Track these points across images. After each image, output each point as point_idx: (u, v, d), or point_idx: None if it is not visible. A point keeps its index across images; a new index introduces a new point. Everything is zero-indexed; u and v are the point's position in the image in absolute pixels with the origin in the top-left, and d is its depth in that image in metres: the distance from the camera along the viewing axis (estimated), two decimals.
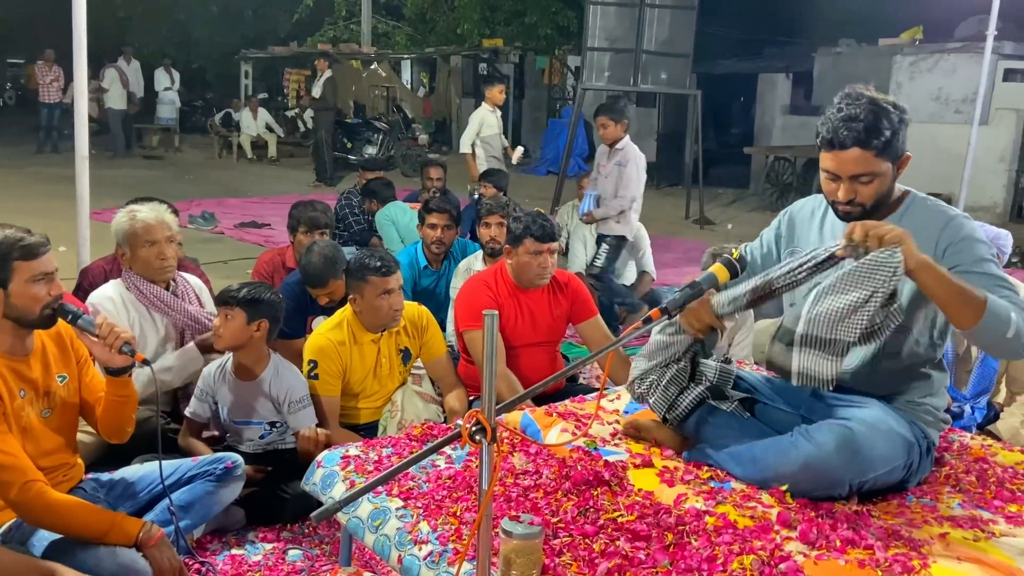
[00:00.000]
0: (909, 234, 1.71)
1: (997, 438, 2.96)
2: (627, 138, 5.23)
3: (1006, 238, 3.27)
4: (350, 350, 2.91)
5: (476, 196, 6.18)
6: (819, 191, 2.05)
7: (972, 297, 1.72)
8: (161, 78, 15.20)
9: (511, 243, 3.16)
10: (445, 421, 2.94)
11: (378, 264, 2.84)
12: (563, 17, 16.52)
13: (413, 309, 3.07)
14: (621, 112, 5.34)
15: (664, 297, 5.40)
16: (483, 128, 7.13)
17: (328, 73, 12.37)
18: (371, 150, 13.49)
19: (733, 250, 1.96)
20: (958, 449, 2.20)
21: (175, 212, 3.21)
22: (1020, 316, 1.74)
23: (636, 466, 2.03)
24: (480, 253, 3.99)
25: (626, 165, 5.10)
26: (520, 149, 8.13)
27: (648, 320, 1.74)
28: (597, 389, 3.18)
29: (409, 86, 19.22)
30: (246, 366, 2.80)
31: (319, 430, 2.71)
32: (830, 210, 2.00)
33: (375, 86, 15.72)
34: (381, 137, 13.67)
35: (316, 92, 12.53)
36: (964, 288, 1.72)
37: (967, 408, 3.03)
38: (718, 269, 1.88)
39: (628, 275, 5.49)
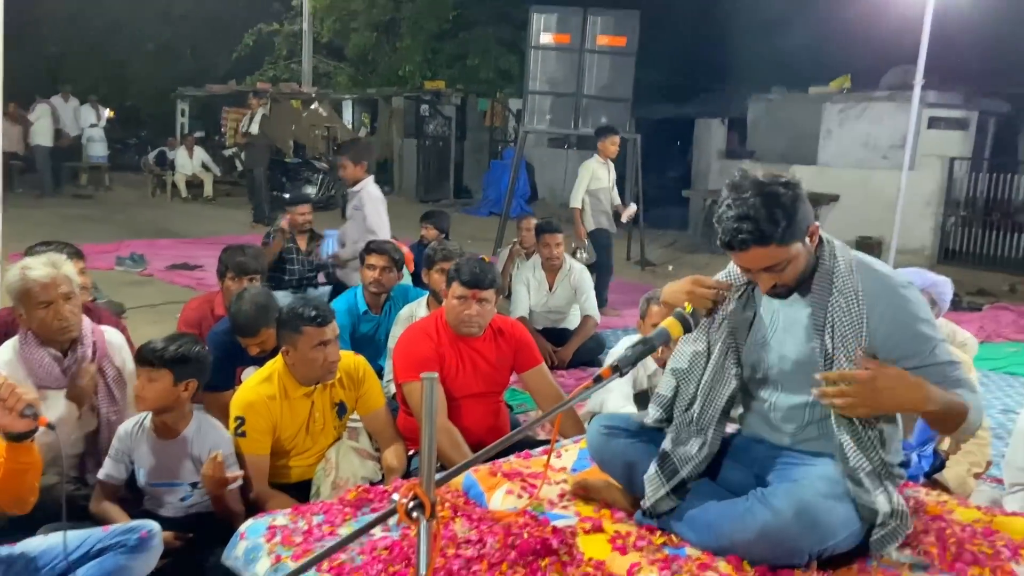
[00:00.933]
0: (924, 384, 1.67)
1: (945, 488, 2.93)
2: (367, 179, 5.10)
3: (944, 285, 3.28)
4: (280, 405, 2.74)
5: (577, 253, 6.06)
6: None
7: (955, 410, 1.71)
8: (87, 115, 14.76)
9: (447, 284, 3.05)
10: (383, 480, 2.78)
11: (313, 314, 2.69)
12: (505, 61, 16.75)
13: (350, 360, 2.92)
14: (360, 153, 5.18)
15: (608, 341, 5.37)
16: (592, 181, 6.78)
17: (262, 111, 12.17)
18: (310, 190, 13.28)
19: (686, 303, 1.87)
20: (914, 507, 2.14)
21: (79, 255, 2.98)
22: (975, 400, 1.75)
23: (586, 531, 1.92)
24: (424, 299, 3.85)
25: (363, 207, 4.98)
26: (633, 207, 7.36)
27: (599, 379, 1.64)
28: (542, 441, 3.08)
29: (350, 126, 19.10)
30: (167, 424, 2.60)
31: (230, 474, 2.51)
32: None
33: (315, 126, 15.56)
34: (321, 177, 13.50)
35: (254, 129, 12.30)
36: (951, 403, 1.70)
37: (914, 457, 3.00)
38: (671, 324, 1.80)
39: (571, 319, 5.41)
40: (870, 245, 10.26)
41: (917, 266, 5.48)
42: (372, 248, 3.99)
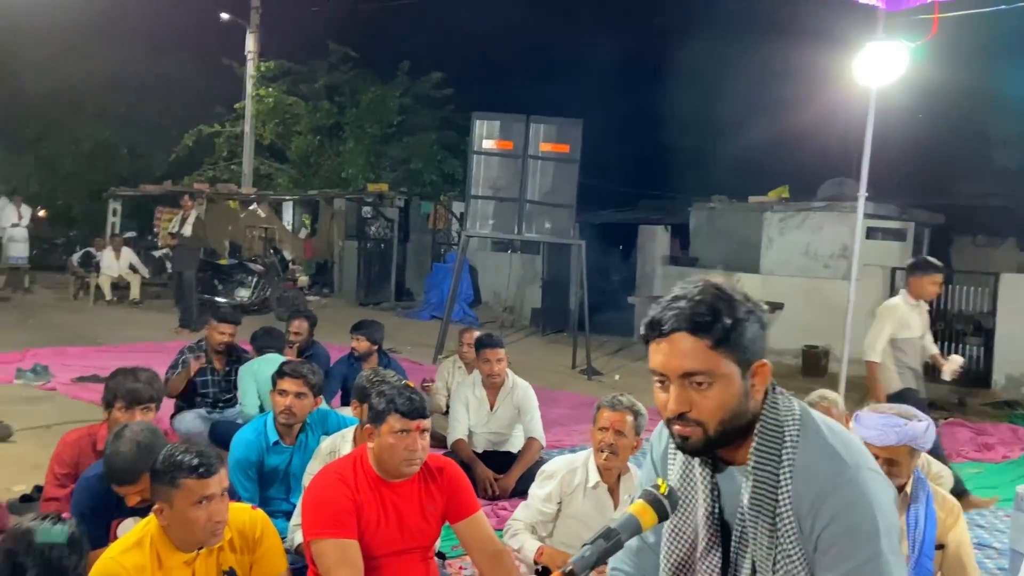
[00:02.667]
0: None
1: None
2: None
3: (928, 432, 2.84)
4: None
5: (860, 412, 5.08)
6: None
7: None
8: (9, 214, 14.10)
9: (372, 421, 2.60)
10: None
11: (194, 463, 2.20)
12: (448, 164, 16.81)
13: (243, 515, 2.41)
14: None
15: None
16: (899, 328, 5.06)
17: (196, 212, 11.73)
18: (244, 292, 12.76)
19: (660, 480, 1.44)
20: None
21: None
22: None
23: None
24: (350, 432, 3.36)
25: None
26: (957, 360, 5.25)
27: None
28: None
29: (290, 227, 18.78)
30: None
31: None
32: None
33: (253, 227, 15.16)
34: (256, 279, 12.99)
35: (186, 231, 11.81)
36: None
37: None
38: (641, 510, 1.35)
39: (515, 441, 4.96)
40: (816, 354, 10.16)
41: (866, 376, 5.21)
42: (284, 371, 3.52)
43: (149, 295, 13.85)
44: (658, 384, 1.45)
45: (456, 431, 4.81)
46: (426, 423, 2.58)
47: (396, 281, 16.21)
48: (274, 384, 3.53)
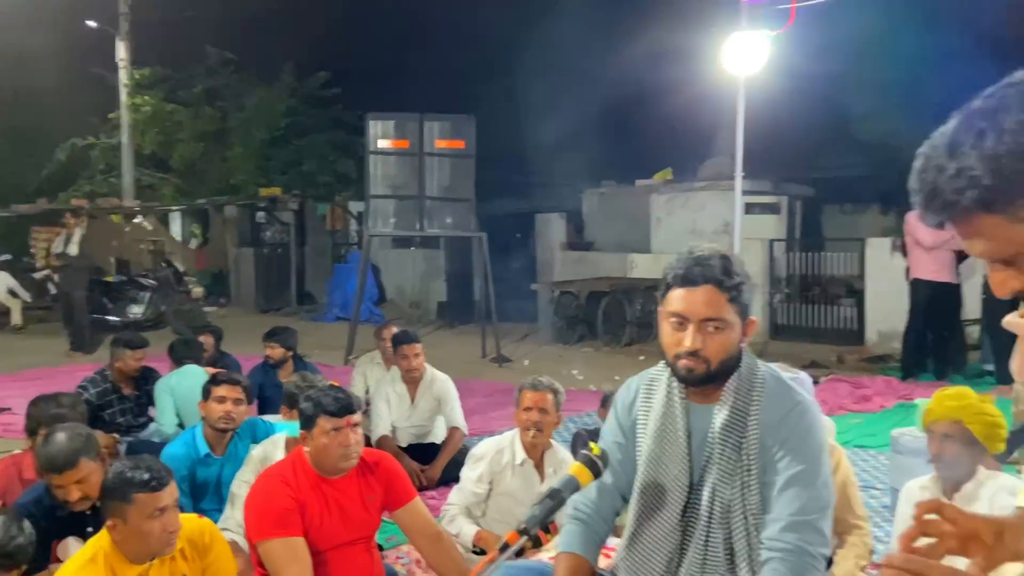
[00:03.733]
0: None
1: None
2: None
3: (803, 380, 3.28)
4: None
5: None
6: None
7: None
8: None
9: (304, 426, 2.74)
10: None
11: (145, 477, 2.28)
12: (342, 165, 16.66)
13: (193, 525, 2.51)
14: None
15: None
16: None
17: (80, 230, 11.25)
18: (137, 309, 12.32)
19: (592, 444, 1.71)
20: None
21: None
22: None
23: None
24: (280, 438, 3.45)
25: None
26: None
27: (505, 546, 1.41)
28: None
29: (180, 238, 18.18)
30: None
31: None
32: (654, 391, 1.89)
33: (140, 241, 14.62)
34: (148, 295, 12.57)
35: (72, 250, 11.30)
36: None
37: None
38: (579, 471, 1.61)
39: (437, 432, 5.13)
40: None
41: (752, 342, 5.64)
42: (221, 379, 3.57)
43: (32, 319, 13.17)
44: (675, 324, 1.81)
45: (380, 428, 4.94)
46: (356, 417, 2.72)
47: (297, 285, 16.00)
48: (207, 394, 3.57)
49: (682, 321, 1.80)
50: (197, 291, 15.07)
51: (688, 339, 1.78)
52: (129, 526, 2.27)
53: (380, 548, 3.52)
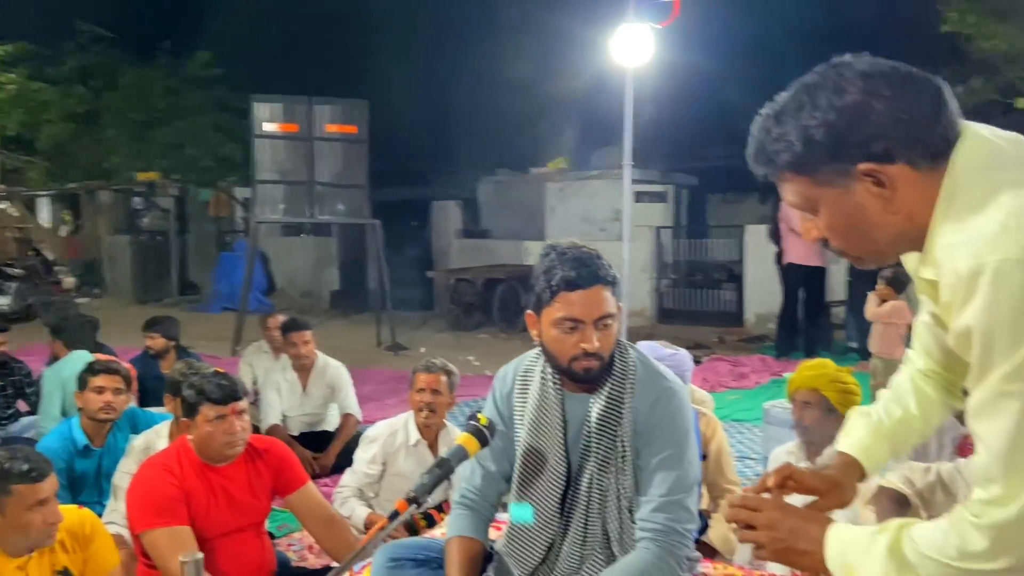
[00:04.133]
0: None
1: (712, 548, 3.07)
2: None
3: (682, 357, 3.45)
4: None
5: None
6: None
7: None
8: None
9: (187, 414, 2.68)
10: None
11: (24, 468, 2.17)
12: (226, 149, 15.97)
13: (73, 516, 2.41)
14: None
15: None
16: None
17: None
18: (3, 300, 11.55)
19: (479, 415, 1.75)
20: None
21: None
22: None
23: None
24: (164, 427, 3.34)
25: None
26: None
27: (395, 515, 1.45)
28: (317, 571, 2.77)
29: (49, 225, 17.07)
30: None
31: None
32: (529, 382, 1.96)
33: (5, 228, 13.67)
34: (15, 285, 11.79)
35: None
36: None
37: None
38: (466, 440, 1.65)
39: (330, 420, 5.08)
40: None
41: (640, 325, 5.94)
42: (99, 369, 3.42)
43: None
44: (567, 328, 1.82)
45: (270, 417, 4.85)
46: (241, 404, 2.68)
47: (179, 275, 15.35)
48: (83, 384, 3.41)
49: (576, 324, 1.82)
50: (68, 281, 14.20)
51: (589, 341, 1.81)
52: (8, 519, 2.17)
53: (272, 536, 3.48)
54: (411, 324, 11.70)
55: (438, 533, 2.48)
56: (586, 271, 1.82)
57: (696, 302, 11.40)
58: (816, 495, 1.43)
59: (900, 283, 5.46)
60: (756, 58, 12.68)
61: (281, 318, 5.50)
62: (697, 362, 8.17)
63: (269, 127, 8.99)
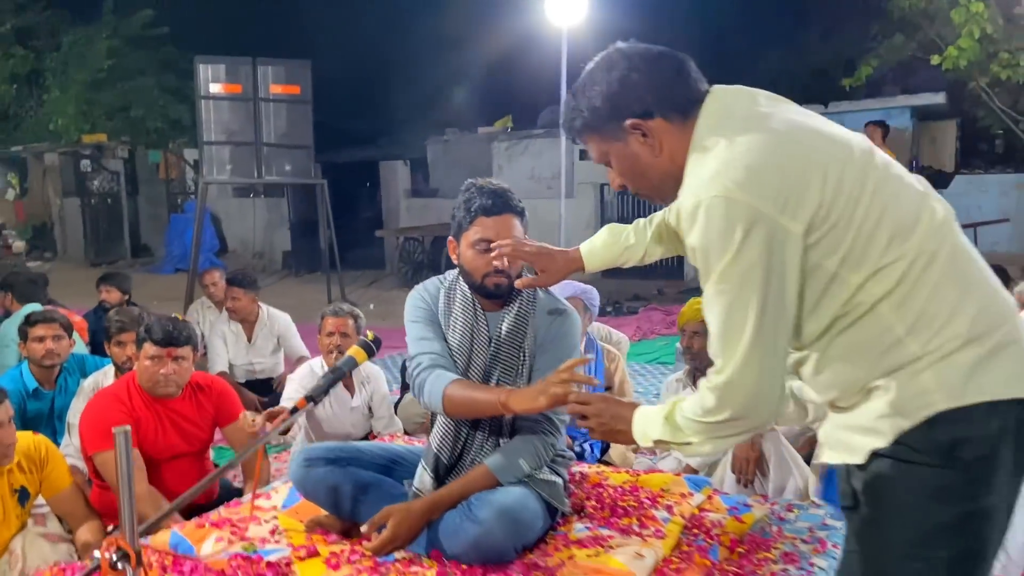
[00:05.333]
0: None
1: (612, 464, 3.47)
2: None
3: (592, 292, 3.88)
4: None
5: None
6: (448, 269, 2.33)
7: None
8: None
9: (137, 347, 2.98)
10: (80, 559, 2.61)
11: None
12: (174, 110, 15.86)
13: (28, 440, 2.69)
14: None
15: None
16: None
17: None
18: None
19: (369, 332, 2.09)
20: (579, 479, 2.55)
21: None
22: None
23: (301, 559, 2.03)
24: (110, 369, 3.62)
25: None
26: None
27: (295, 410, 1.77)
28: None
29: None
30: None
31: None
32: (453, 298, 2.28)
33: None
34: None
35: None
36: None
37: (587, 447, 3.52)
38: (356, 352, 1.99)
39: (277, 369, 5.37)
40: None
41: (586, 282, 6.26)
42: (35, 319, 3.66)
43: None
44: (481, 249, 2.15)
45: (216, 365, 5.13)
46: (179, 351, 2.95)
47: (131, 237, 15.33)
48: (24, 336, 3.66)
49: (489, 245, 2.13)
50: (18, 245, 14.19)
51: (500, 259, 2.11)
52: None
53: (216, 465, 3.80)
54: (363, 283, 11.96)
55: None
56: (500, 200, 2.15)
57: None
58: (537, 266, 2.01)
59: None
60: (691, 14, 12.98)
61: (216, 274, 5.77)
62: (634, 312, 8.64)
63: (214, 88, 9.03)
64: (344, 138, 15.52)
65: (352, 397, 3.68)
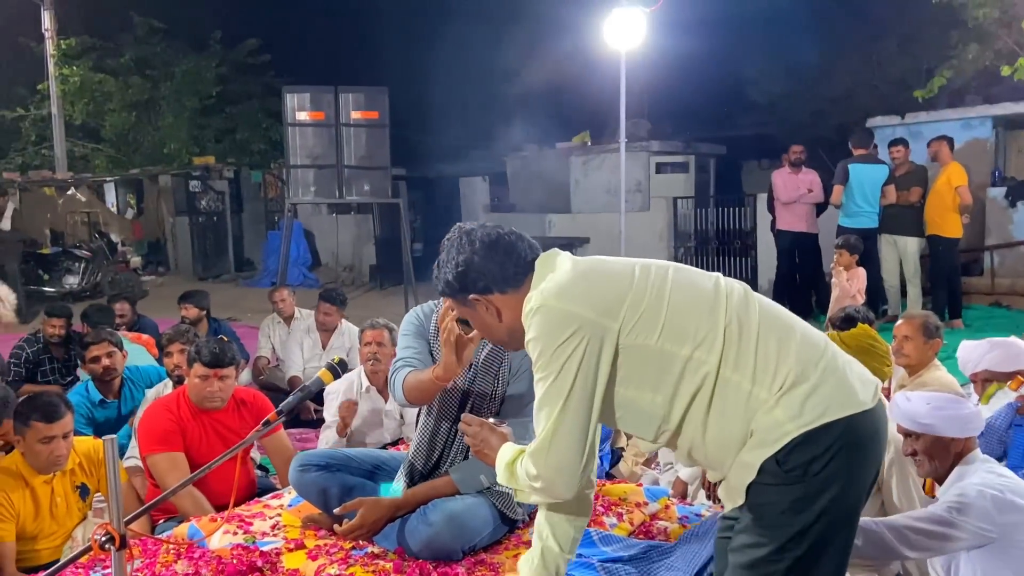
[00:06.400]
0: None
1: (615, 479, 3.65)
2: None
3: None
4: (21, 493, 2.93)
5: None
6: None
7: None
8: None
9: (188, 365, 3.40)
10: None
11: (41, 409, 2.90)
12: (275, 132, 16.89)
13: (89, 444, 3.15)
14: None
15: None
16: None
17: (12, 205, 11.57)
18: (72, 280, 12.68)
19: (336, 356, 2.40)
20: None
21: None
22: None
23: (290, 550, 2.35)
24: (168, 380, 4.12)
25: None
26: None
27: (268, 423, 2.09)
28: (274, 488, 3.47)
29: (115, 209, 18.34)
30: None
31: None
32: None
33: (74, 212, 14.87)
34: (83, 265, 12.93)
35: (4, 225, 11.63)
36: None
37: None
38: (323, 374, 2.28)
39: None
40: None
41: None
42: (88, 342, 4.19)
43: None
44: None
45: (292, 369, 5.70)
46: (225, 371, 3.35)
47: (234, 252, 16.39)
48: (83, 360, 4.20)
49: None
50: (135, 260, 15.41)
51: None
52: (26, 444, 2.91)
53: (265, 470, 4.21)
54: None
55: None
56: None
57: (713, 269, 11.69)
58: None
59: (852, 245, 5.93)
60: (757, 27, 12.81)
61: (285, 292, 6.31)
62: None
63: (301, 116, 9.71)
64: (432, 155, 16.13)
65: (387, 402, 4.01)
